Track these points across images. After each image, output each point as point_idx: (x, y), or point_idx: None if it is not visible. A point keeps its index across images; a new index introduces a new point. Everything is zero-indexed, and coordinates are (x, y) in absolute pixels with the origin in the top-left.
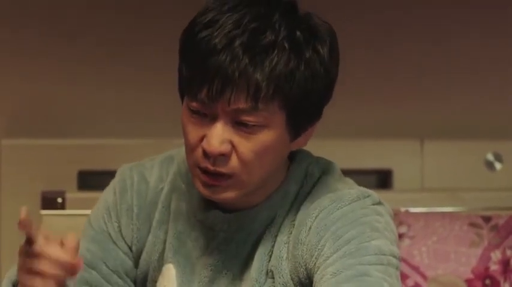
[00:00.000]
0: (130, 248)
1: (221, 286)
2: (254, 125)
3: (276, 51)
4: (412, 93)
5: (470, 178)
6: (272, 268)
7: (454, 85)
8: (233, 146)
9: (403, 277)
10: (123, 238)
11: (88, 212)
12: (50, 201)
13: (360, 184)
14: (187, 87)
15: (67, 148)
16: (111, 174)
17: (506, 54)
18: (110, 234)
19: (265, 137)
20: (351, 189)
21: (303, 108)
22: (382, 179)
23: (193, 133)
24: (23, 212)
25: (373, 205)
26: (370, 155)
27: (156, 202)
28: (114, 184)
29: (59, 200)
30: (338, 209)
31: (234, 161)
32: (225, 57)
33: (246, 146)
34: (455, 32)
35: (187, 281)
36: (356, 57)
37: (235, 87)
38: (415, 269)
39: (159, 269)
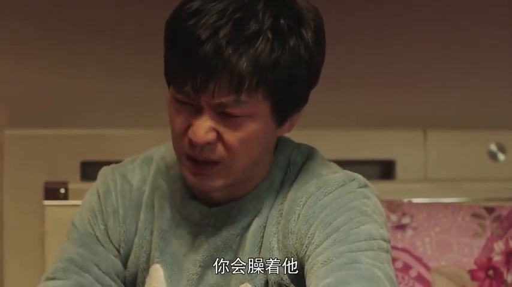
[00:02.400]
0: (118, 251)
1: (211, 282)
2: (239, 116)
3: (259, 41)
4: (415, 84)
5: (473, 168)
6: (263, 260)
7: (458, 75)
8: (219, 135)
9: (406, 268)
10: (111, 241)
11: None
12: (52, 192)
13: (363, 175)
14: (172, 78)
15: (70, 138)
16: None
17: (510, 45)
18: (97, 237)
19: (250, 126)
20: (335, 173)
21: (288, 96)
22: (385, 170)
23: (180, 123)
24: None
25: (360, 188)
26: (373, 145)
27: (141, 203)
28: (96, 186)
29: (62, 190)
30: (325, 195)
31: (220, 149)
32: (209, 49)
33: (232, 134)
34: (459, 22)
35: (176, 279)
36: (359, 46)
37: (218, 80)
38: (418, 260)
39: (147, 270)
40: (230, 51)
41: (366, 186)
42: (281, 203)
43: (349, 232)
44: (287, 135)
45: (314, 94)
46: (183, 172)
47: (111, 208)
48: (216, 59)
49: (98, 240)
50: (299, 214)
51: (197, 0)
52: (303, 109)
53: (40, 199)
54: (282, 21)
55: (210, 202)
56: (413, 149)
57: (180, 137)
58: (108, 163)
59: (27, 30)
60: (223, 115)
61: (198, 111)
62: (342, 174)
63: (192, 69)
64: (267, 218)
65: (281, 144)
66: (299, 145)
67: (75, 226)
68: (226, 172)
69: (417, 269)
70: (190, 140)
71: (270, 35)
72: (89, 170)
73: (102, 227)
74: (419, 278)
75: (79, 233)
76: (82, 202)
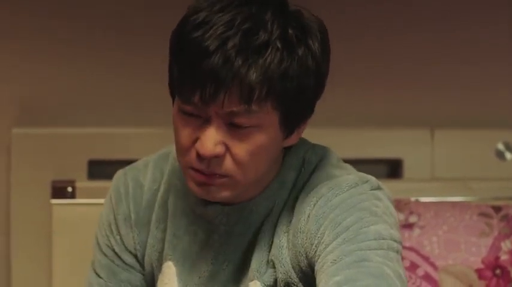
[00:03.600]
0: (135, 256)
1: (222, 279)
2: (248, 127)
3: (269, 51)
4: (422, 83)
5: (480, 167)
6: (273, 258)
7: (465, 74)
8: (227, 148)
9: (414, 266)
10: (127, 248)
11: (98, 201)
12: (60, 190)
13: (370, 174)
14: (179, 90)
15: (77, 137)
16: (121, 163)
17: None
18: (114, 250)
19: (259, 137)
20: (349, 175)
21: (296, 106)
22: (392, 169)
23: (186, 135)
24: None
25: (372, 190)
26: (380, 144)
27: (153, 204)
28: (110, 193)
29: (69, 189)
30: (336, 196)
31: (228, 162)
32: (218, 60)
33: (240, 147)
34: (467, 21)
35: (187, 277)
36: (365, 45)
37: (228, 90)
38: (425, 259)
39: (159, 267)
40: (240, 62)
41: (378, 188)
42: (293, 203)
43: (358, 231)
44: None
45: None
46: (188, 183)
47: (122, 215)
48: (225, 69)
49: (116, 253)
50: (309, 214)
51: (203, 11)
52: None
53: (47, 198)
54: (290, 31)
55: (223, 202)
56: (421, 148)
57: (187, 149)
58: (115, 162)
59: (35, 30)
60: (232, 127)
61: (206, 123)
62: (354, 176)
63: (200, 80)
64: (279, 217)
65: (296, 144)
66: (314, 145)
67: (98, 243)
68: (233, 185)
69: (424, 268)
70: (197, 153)
71: (279, 45)
72: (96, 169)
73: (118, 237)
74: (427, 277)
75: (101, 253)
76: (101, 213)
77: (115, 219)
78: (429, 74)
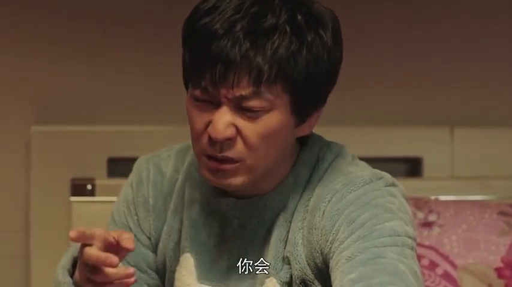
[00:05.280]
0: (149, 239)
1: (238, 274)
2: (258, 110)
3: (277, 35)
4: (442, 81)
5: (500, 166)
6: (288, 254)
7: (485, 72)
8: (238, 131)
9: (433, 265)
10: (143, 231)
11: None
12: (79, 188)
13: (389, 172)
14: (190, 75)
15: (97, 134)
16: None
17: None
18: (130, 228)
19: (269, 120)
20: (363, 172)
21: (307, 92)
22: (412, 167)
23: (199, 120)
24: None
25: (386, 186)
26: (400, 143)
27: (172, 193)
28: (131, 177)
29: (89, 187)
30: (351, 192)
31: (239, 145)
32: (227, 42)
33: (251, 129)
34: (486, 19)
35: (206, 270)
36: (386, 43)
37: (237, 72)
38: (445, 257)
39: (175, 259)
40: (248, 44)
41: (393, 185)
42: (307, 199)
43: (373, 227)
44: (318, 132)
45: (340, 91)
46: (201, 171)
47: (142, 198)
48: (234, 51)
49: (132, 231)
50: (324, 211)
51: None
52: (325, 109)
53: (67, 196)
54: (299, 16)
55: (238, 194)
56: (441, 147)
57: (200, 135)
58: (135, 160)
59: (54, 28)
60: (242, 110)
61: (217, 108)
62: (369, 172)
63: (210, 62)
64: (293, 213)
65: (311, 140)
66: (329, 142)
67: (113, 219)
68: (245, 170)
69: (444, 267)
70: (210, 137)
71: (287, 29)
72: (116, 167)
73: (135, 217)
74: (446, 276)
75: (116, 225)
76: (120, 194)
77: (134, 200)
78: (449, 72)
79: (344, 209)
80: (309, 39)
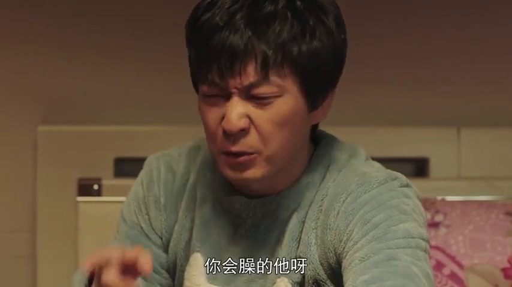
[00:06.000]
0: (161, 238)
1: (249, 273)
2: (269, 97)
3: (278, 20)
4: (449, 81)
5: (507, 166)
6: (301, 254)
7: (492, 72)
8: (251, 121)
9: (440, 266)
10: (154, 230)
11: (124, 199)
12: (86, 188)
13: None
14: (197, 72)
15: (103, 134)
16: None
17: None
18: (142, 227)
19: (281, 106)
20: (378, 172)
21: (315, 75)
22: (418, 168)
23: (211, 117)
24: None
25: (401, 187)
26: (407, 143)
27: (183, 192)
28: (141, 175)
29: (95, 187)
30: (365, 192)
31: (254, 136)
32: (229, 33)
33: (264, 117)
34: (493, 18)
35: (216, 269)
36: (392, 43)
37: (243, 60)
38: (451, 258)
39: (186, 258)
40: (250, 32)
41: (407, 186)
42: (321, 199)
43: (387, 229)
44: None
45: (348, 91)
46: (222, 169)
47: (153, 197)
48: (236, 40)
49: (143, 231)
50: (338, 211)
51: None
52: (331, 109)
53: (73, 196)
54: (298, 2)
55: (250, 194)
56: (447, 147)
57: (214, 133)
58: (142, 160)
59: (60, 28)
60: (253, 98)
61: (227, 100)
62: (384, 173)
63: (214, 55)
64: (307, 213)
65: (324, 140)
66: (343, 143)
67: (123, 218)
68: (264, 161)
69: (450, 267)
70: (224, 131)
71: (288, 14)
72: (122, 167)
73: (146, 217)
74: (453, 276)
75: (127, 225)
76: (129, 192)
77: (145, 199)
78: (456, 72)
79: (359, 210)
80: (311, 23)
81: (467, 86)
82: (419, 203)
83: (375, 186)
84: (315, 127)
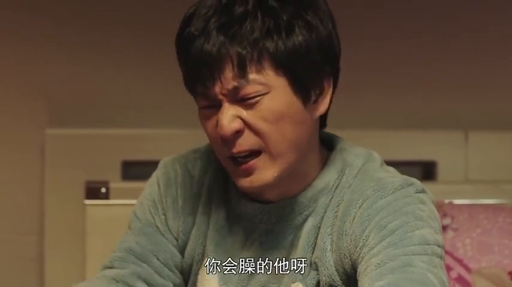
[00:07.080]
0: (177, 240)
1: (262, 279)
2: (256, 96)
3: (248, 20)
4: (457, 84)
5: None
6: (316, 260)
7: (500, 76)
8: (244, 122)
9: (447, 269)
10: (170, 231)
11: (132, 202)
12: (93, 191)
13: None
14: (188, 86)
15: (111, 137)
16: (155, 164)
17: None
18: (157, 227)
19: (271, 103)
20: (394, 178)
21: (300, 69)
22: (426, 171)
23: (209, 127)
24: None
25: (417, 193)
26: (415, 146)
27: (200, 195)
28: (157, 176)
29: (103, 190)
30: (381, 198)
31: (250, 137)
32: (203, 41)
33: (256, 116)
34: (503, 22)
35: (229, 275)
36: (401, 47)
37: (219, 65)
38: (459, 261)
39: (201, 262)
40: (222, 37)
41: (423, 191)
42: (337, 205)
43: (403, 235)
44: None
45: (355, 95)
46: (234, 179)
47: (171, 198)
48: (210, 46)
49: (159, 229)
50: (354, 216)
51: (192, 7)
52: (339, 112)
53: (81, 198)
54: (270, 1)
55: (264, 200)
56: (455, 150)
57: (216, 142)
58: (149, 163)
59: (68, 31)
60: (241, 101)
61: (219, 108)
62: (400, 178)
63: (194, 66)
64: (322, 219)
65: (339, 145)
66: (357, 147)
67: (136, 216)
68: (271, 161)
69: (458, 270)
70: (221, 137)
71: (258, 12)
72: (130, 170)
73: (163, 217)
74: (460, 279)
75: (141, 222)
76: (142, 193)
77: (162, 200)
78: (464, 76)
79: (375, 215)
80: (285, 18)
81: (475, 90)
82: (435, 209)
83: (390, 192)
84: (323, 126)
